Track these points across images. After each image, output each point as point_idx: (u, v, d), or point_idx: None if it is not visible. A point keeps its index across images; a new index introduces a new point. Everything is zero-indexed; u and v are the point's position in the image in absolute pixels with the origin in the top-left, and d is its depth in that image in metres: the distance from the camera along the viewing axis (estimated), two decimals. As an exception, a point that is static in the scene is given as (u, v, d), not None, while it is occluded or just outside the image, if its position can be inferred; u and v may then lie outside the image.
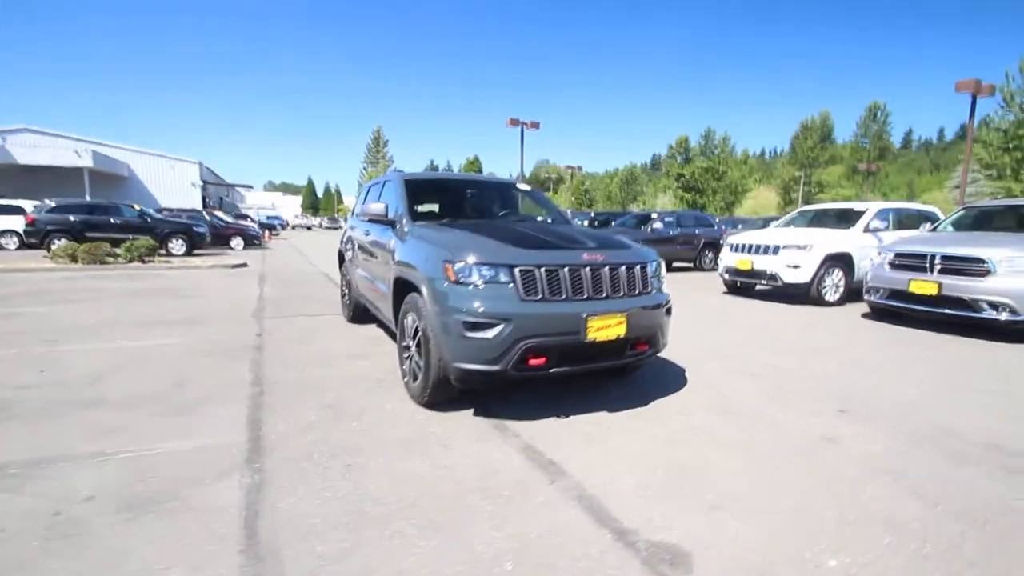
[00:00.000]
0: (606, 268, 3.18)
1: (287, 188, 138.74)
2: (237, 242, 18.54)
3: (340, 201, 79.87)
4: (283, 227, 39.59)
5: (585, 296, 3.08)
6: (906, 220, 8.98)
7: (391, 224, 4.11)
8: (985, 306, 5.62)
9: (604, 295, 3.14)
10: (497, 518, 2.15)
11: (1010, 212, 7.22)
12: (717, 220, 16.90)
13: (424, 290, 3.13)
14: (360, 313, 5.82)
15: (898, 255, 6.52)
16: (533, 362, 2.96)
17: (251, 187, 47.98)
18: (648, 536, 2.05)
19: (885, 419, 3.35)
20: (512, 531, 2.06)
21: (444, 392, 3.21)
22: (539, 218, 4.64)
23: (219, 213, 21.55)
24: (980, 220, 7.33)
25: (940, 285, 5.93)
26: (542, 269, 3.00)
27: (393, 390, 3.68)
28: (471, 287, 2.95)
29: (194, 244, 15.07)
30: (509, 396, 3.53)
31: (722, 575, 1.84)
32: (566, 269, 3.06)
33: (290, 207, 75.38)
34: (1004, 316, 5.52)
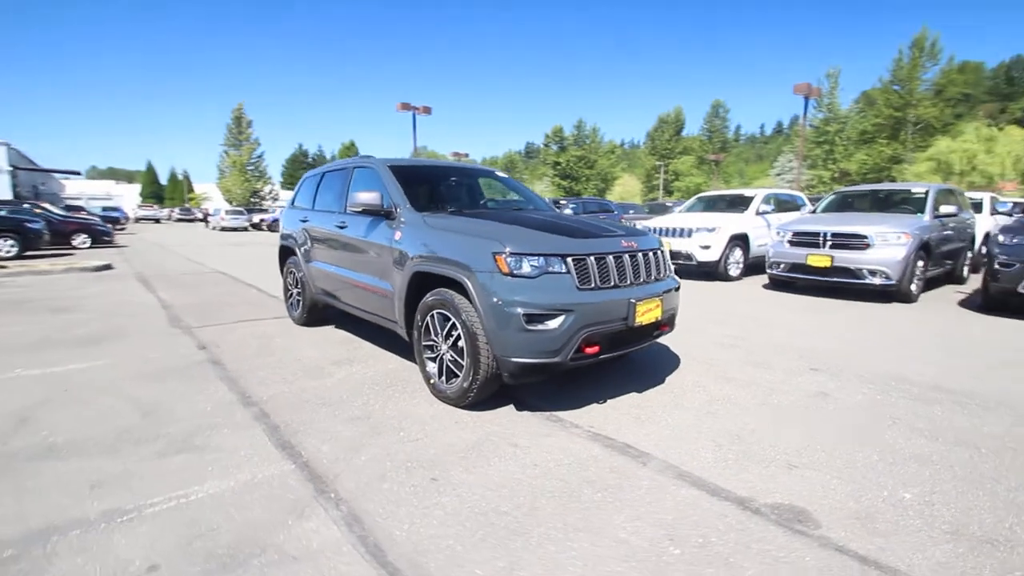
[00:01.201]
0: (640, 254, 3.29)
1: (115, 174, 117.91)
2: (82, 240, 15.41)
3: (191, 189, 70.02)
4: (125, 220, 33.74)
5: (629, 282, 3.16)
6: (782, 203, 10.50)
7: (385, 215, 3.77)
8: (867, 273, 6.84)
9: (642, 280, 3.26)
10: (624, 506, 2.16)
11: (867, 196, 8.81)
12: (614, 206, 18.11)
13: (469, 284, 2.95)
14: (317, 314, 5.29)
15: (796, 233, 7.62)
16: (588, 350, 2.98)
17: (79, 174, 39.88)
18: (765, 500, 2.22)
19: (848, 373, 3.94)
20: (647, 516, 2.09)
21: (490, 390, 3.09)
22: (529, 206, 4.58)
23: (46, 205, 17.65)
24: (846, 202, 8.85)
25: (832, 258, 7.07)
26: (591, 257, 3.01)
27: (413, 394, 3.44)
28: (526, 279, 2.86)
29: (28, 244, 12.22)
30: (534, 388, 3.50)
31: (842, 523, 2.06)
32: (611, 257, 3.11)
33: (128, 197, 64.30)
34: (879, 280, 6.78)
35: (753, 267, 9.56)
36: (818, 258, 7.21)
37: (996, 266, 5.91)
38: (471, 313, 3.00)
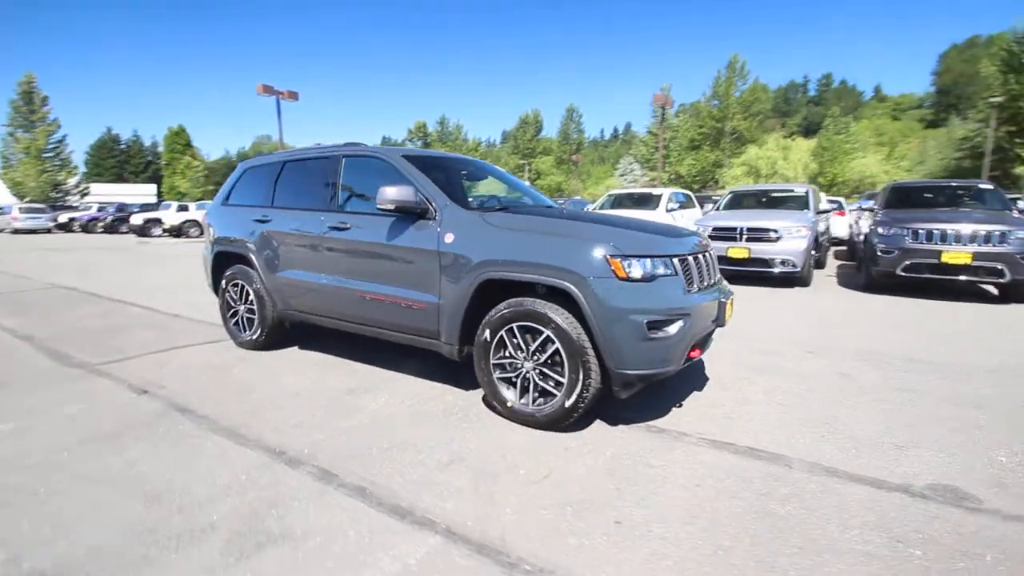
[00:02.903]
0: (710, 253, 3.24)
1: None
2: None
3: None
4: None
5: (713, 281, 3.10)
6: (681, 202, 11.55)
7: (420, 214, 3.19)
8: (778, 262, 7.80)
9: (718, 278, 3.22)
10: (822, 516, 2.07)
11: (756, 195, 10.09)
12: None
13: (579, 292, 2.60)
14: (278, 334, 4.34)
15: (715, 229, 8.38)
16: (692, 354, 2.84)
17: None
18: (919, 484, 2.31)
19: (838, 353, 4.40)
20: (853, 522, 2.03)
21: (592, 407, 2.78)
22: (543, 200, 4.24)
23: None
24: (739, 200, 10.02)
25: (749, 250, 7.94)
26: (690, 257, 2.87)
27: (482, 423, 2.96)
28: (643, 283, 2.62)
29: None
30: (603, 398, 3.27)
31: (993, 493, 2.23)
32: (701, 256, 3.00)
33: None
34: (787, 268, 7.79)
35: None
36: (737, 250, 8.03)
37: (878, 253, 7.16)
38: (573, 324, 2.66)
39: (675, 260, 2.76)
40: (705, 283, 2.98)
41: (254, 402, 3.25)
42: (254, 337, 4.31)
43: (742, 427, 2.91)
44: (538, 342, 2.78)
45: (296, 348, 4.48)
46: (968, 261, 6.43)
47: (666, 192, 10.94)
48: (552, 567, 1.77)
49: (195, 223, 21.74)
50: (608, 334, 2.58)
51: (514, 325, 2.83)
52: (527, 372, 2.85)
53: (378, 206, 3.15)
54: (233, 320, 4.51)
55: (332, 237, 3.62)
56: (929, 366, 4.03)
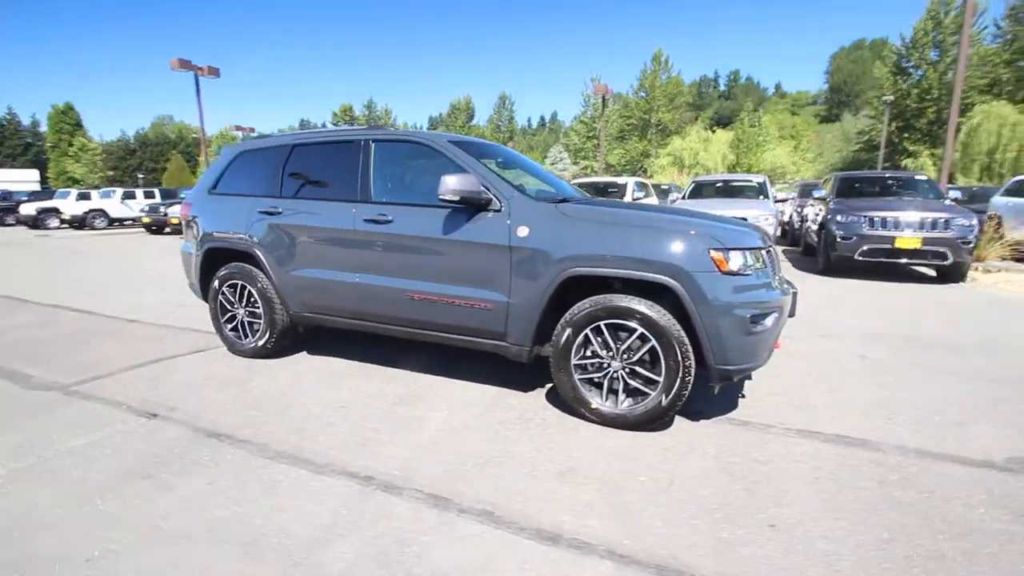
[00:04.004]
0: (774, 247, 3.27)
1: None
2: None
3: None
4: None
5: (781, 275, 3.12)
6: (645, 189, 11.84)
7: (482, 206, 2.93)
8: (748, 250, 8.21)
9: (782, 273, 3.26)
10: (961, 504, 2.14)
11: (716, 184, 10.54)
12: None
13: (683, 287, 2.51)
14: (288, 340, 3.90)
15: (688, 217, 8.67)
16: (776, 347, 2.85)
17: None
18: (980, 457, 2.47)
19: (843, 334, 4.67)
20: (993, 507, 2.12)
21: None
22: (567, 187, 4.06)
23: None
24: (701, 190, 10.42)
25: (721, 237, 8.28)
26: (763, 252, 2.86)
27: (563, 426, 2.81)
28: (742, 276, 2.57)
29: None
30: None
31: None
32: (771, 249, 3.01)
33: None
34: (756, 255, 8.21)
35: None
36: (710, 238, 8.36)
37: (838, 239, 7.72)
38: (671, 320, 2.57)
39: (762, 252, 2.75)
40: (778, 276, 3.00)
41: (297, 420, 2.87)
42: (260, 344, 3.83)
43: (813, 414, 2.97)
44: (630, 340, 2.66)
45: (305, 354, 4.05)
46: (918, 246, 7.09)
47: (630, 181, 11.16)
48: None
49: (101, 213, 19.32)
50: (714, 329, 2.51)
51: (601, 323, 2.69)
52: (615, 372, 2.73)
53: (440, 197, 2.85)
54: (230, 325, 3.97)
55: (368, 231, 3.25)
56: (923, 343, 4.38)
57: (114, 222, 20.16)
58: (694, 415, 2.93)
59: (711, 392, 2.77)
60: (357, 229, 3.29)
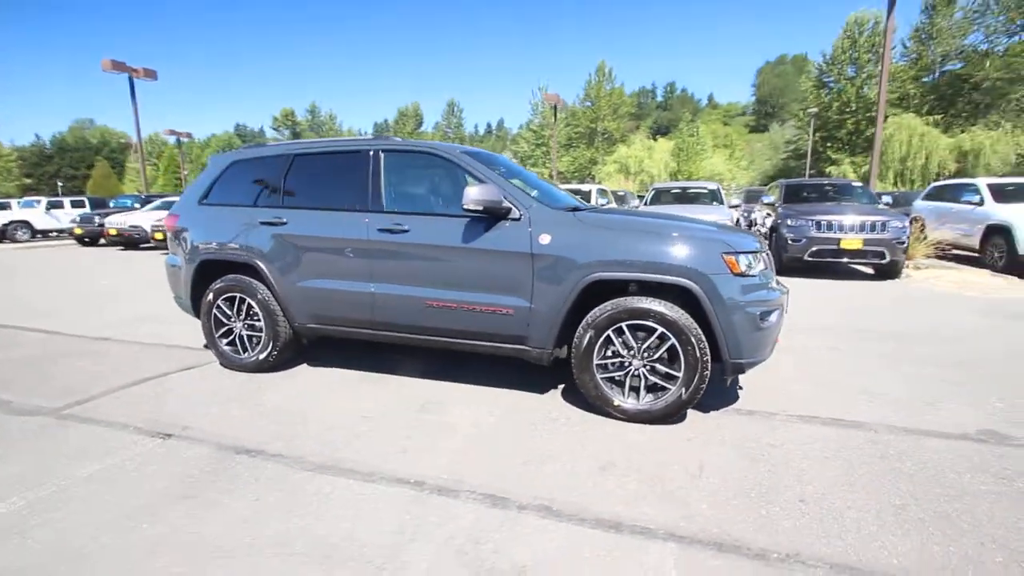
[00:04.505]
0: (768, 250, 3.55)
1: None
2: None
3: None
4: None
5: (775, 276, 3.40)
6: (605, 196, 12.26)
7: (502, 216, 3.03)
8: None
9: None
10: (915, 462, 2.45)
11: (673, 190, 11.07)
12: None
13: (701, 289, 2.71)
14: (291, 352, 3.81)
15: (652, 222, 9.08)
16: (777, 341, 3.11)
17: None
18: (956, 431, 2.81)
19: (811, 329, 5.09)
20: (931, 463, 2.43)
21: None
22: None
23: None
24: (659, 196, 10.93)
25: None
26: (762, 254, 3.11)
27: (587, 424, 2.95)
28: (751, 277, 2.81)
29: None
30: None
31: (1010, 428, 2.81)
32: (767, 252, 3.27)
33: None
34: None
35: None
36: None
37: (789, 242, 8.34)
38: (689, 319, 2.77)
39: (762, 255, 3.00)
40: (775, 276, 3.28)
41: (322, 432, 2.85)
42: (261, 357, 3.72)
43: (806, 401, 3.26)
44: (651, 339, 2.83)
45: (305, 366, 3.97)
46: (860, 246, 7.80)
47: (594, 188, 11.53)
48: (790, 550, 1.87)
49: (24, 224, 17.71)
50: (728, 326, 2.73)
51: (623, 324, 2.86)
52: (636, 370, 2.89)
53: (464, 207, 2.93)
54: (226, 340, 3.84)
55: (384, 240, 3.27)
56: (879, 335, 4.85)
57: (38, 234, 18.53)
58: (703, 408, 3.13)
59: (718, 385, 2.99)
60: (371, 239, 3.30)
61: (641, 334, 2.86)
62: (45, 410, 3.17)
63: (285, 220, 3.54)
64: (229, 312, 3.78)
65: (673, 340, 2.79)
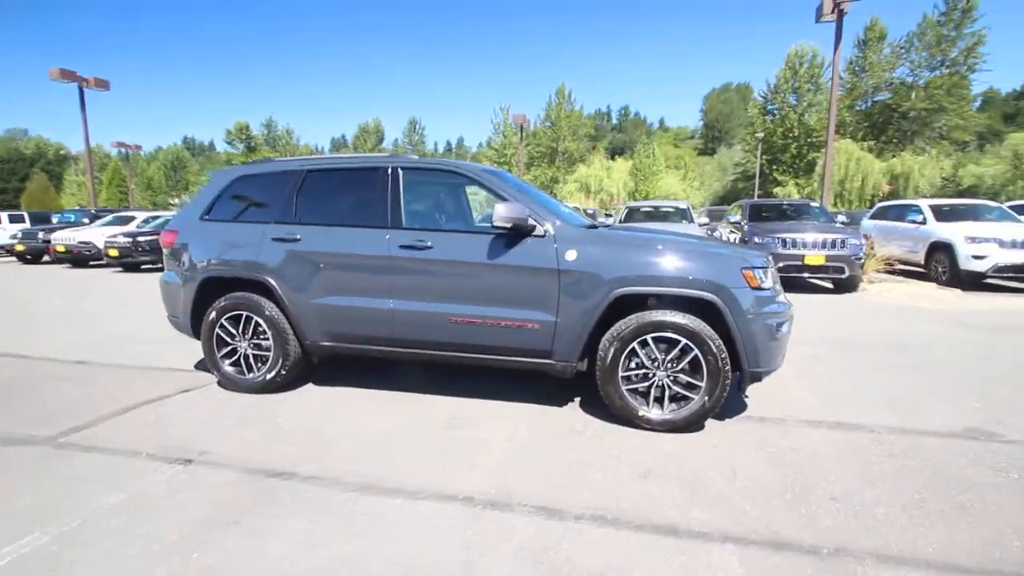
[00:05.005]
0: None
1: None
2: None
3: None
4: None
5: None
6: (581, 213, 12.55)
7: (526, 232, 3.10)
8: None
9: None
10: (920, 459, 2.67)
11: (644, 209, 11.49)
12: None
13: (723, 302, 2.86)
14: (299, 371, 3.71)
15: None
16: (783, 351, 3.31)
17: None
18: (944, 430, 3.06)
19: (801, 342, 5.36)
20: (934, 459, 2.66)
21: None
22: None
23: None
24: (632, 214, 11.31)
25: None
26: (770, 269, 3.31)
27: (614, 435, 3.02)
28: (766, 291, 2.99)
29: None
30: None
31: (993, 426, 3.09)
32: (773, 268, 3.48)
33: None
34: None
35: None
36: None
37: (758, 258, 8.81)
38: (709, 331, 2.91)
39: (771, 270, 3.21)
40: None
41: (352, 451, 2.79)
42: (268, 377, 3.61)
43: (809, 407, 3.46)
44: (674, 350, 2.96)
45: (312, 385, 3.87)
46: (823, 262, 8.32)
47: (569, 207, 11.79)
48: (838, 545, 2.00)
49: (-50, 242, 16.28)
50: (748, 336, 2.89)
51: (648, 337, 2.97)
52: (660, 380, 3.00)
53: (494, 224, 2.99)
54: (229, 361, 3.70)
55: (406, 257, 3.27)
56: (851, 344, 5.21)
57: (-33, 251, 17.08)
58: (719, 416, 3.26)
59: (728, 395, 3.15)
60: (392, 255, 3.30)
61: (663, 345, 2.99)
62: (38, 439, 2.96)
63: (299, 236, 3.49)
64: (233, 331, 3.65)
65: (696, 351, 2.92)
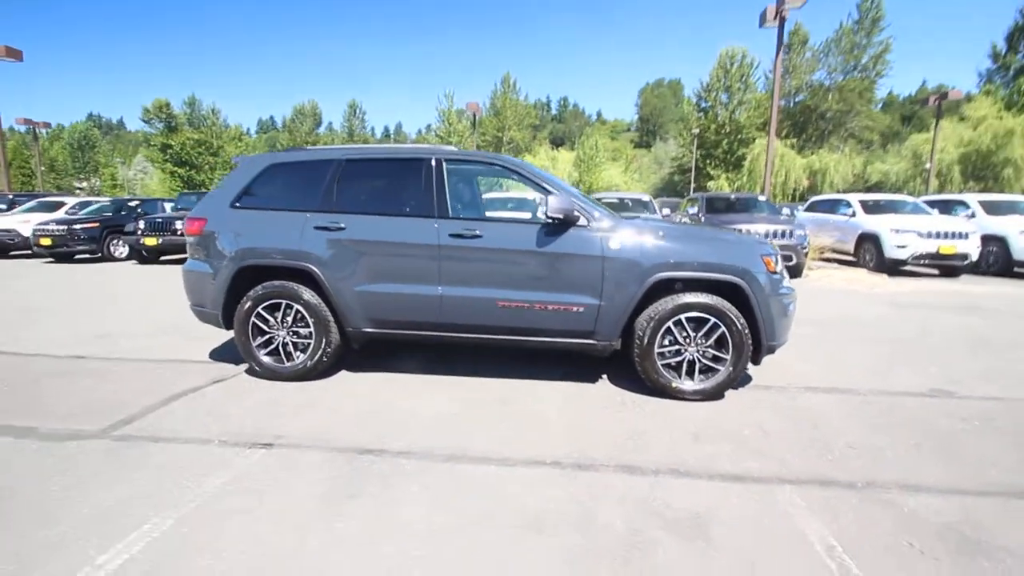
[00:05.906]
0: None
1: None
2: None
3: None
4: None
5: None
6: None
7: (572, 222, 3.37)
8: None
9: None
10: (906, 415, 3.24)
11: (608, 200, 12.00)
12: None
13: (748, 285, 3.27)
14: (337, 358, 3.78)
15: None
16: (784, 326, 3.80)
17: None
18: (916, 391, 3.70)
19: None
20: (916, 415, 3.24)
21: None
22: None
23: None
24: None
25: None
26: (778, 255, 3.78)
27: (651, 406, 3.38)
28: (777, 273, 3.44)
29: None
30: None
31: (953, 386, 3.75)
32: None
33: None
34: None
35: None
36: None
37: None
38: (734, 310, 3.32)
39: (779, 256, 3.67)
40: (780, 273, 3.99)
41: (426, 428, 2.97)
42: (309, 364, 3.65)
43: (800, 376, 4.00)
44: (705, 328, 3.35)
45: (346, 372, 3.95)
46: (775, 250, 9.18)
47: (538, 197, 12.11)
48: (867, 479, 2.45)
49: None
50: (768, 314, 3.33)
51: (682, 316, 3.34)
52: (691, 355, 3.39)
53: (547, 215, 3.24)
54: (266, 350, 3.70)
55: (456, 245, 3.43)
56: (815, 322, 5.90)
57: None
58: (733, 387, 3.72)
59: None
60: (442, 244, 3.45)
61: (693, 324, 3.37)
62: (87, 433, 2.89)
63: (343, 225, 3.54)
64: (270, 319, 3.66)
65: (723, 328, 3.33)
